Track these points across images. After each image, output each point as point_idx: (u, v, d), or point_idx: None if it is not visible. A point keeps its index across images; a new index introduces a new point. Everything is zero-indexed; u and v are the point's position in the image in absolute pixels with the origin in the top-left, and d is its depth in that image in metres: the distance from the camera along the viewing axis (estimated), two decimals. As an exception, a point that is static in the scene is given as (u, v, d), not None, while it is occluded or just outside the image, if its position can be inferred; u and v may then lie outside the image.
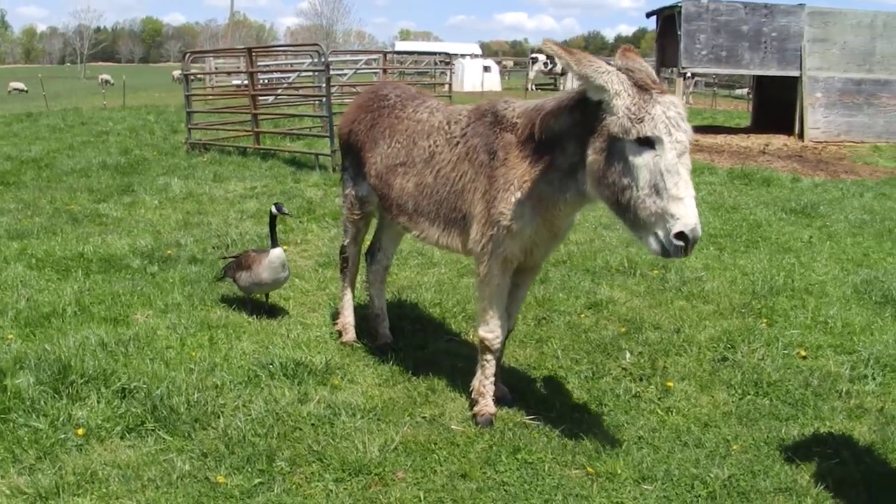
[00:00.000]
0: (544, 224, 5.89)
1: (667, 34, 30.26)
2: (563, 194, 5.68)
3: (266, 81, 30.75)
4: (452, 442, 6.09)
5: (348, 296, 8.18)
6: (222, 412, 6.38)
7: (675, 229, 4.85)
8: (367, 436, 6.07)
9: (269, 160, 19.90)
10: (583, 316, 8.92)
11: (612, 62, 5.21)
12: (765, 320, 8.85)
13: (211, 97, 30.20)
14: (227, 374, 7.04)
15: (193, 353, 7.49)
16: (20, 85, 64.94)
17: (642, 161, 4.94)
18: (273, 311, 8.91)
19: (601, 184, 5.22)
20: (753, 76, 32.92)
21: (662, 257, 5.17)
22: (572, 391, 7.05)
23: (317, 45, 24.10)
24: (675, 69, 30.69)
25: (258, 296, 9.02)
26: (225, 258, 9.79)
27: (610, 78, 5.00)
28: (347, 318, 8.12)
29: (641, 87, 5.02)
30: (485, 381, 6.47)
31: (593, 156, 5.22)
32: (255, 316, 8.61)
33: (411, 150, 6.71)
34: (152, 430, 6.09)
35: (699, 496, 5.49)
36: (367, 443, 5.94)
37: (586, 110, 5.28)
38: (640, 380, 7.30)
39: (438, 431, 6.25)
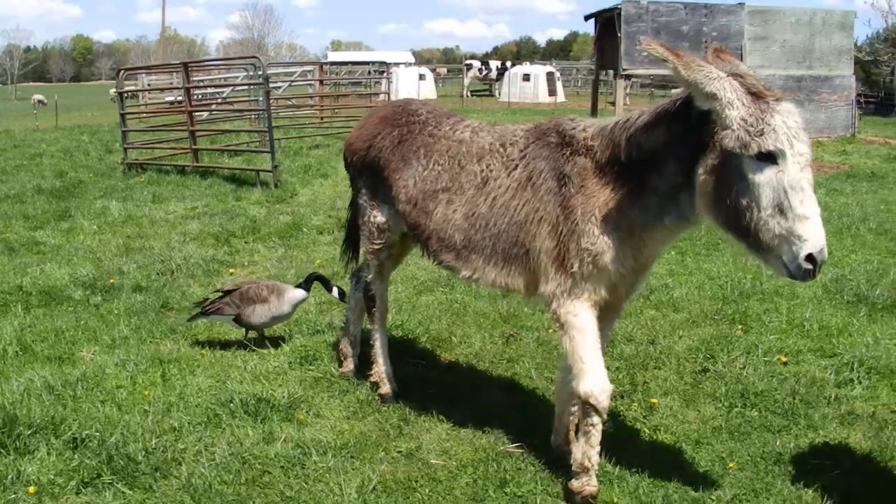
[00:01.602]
0: (633, 257, 5.21)
1: (606, 36, 30.28)
2: (661, 220, 5.06)
3: (200, 97, 30.21)
4: (433, 478, 5.70)
5: (380, 341, 7.12)
6: (183, 458, 5.93)
7: (804, 252, 4.39)
8: (342, 476, 5.66)
9: (208, 178, 19.39)
10: (551, 331, 8.58)
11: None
12: (740, 326, 8.61)
13: (145, 115, 29.60)
14: (185, 415, 6.58)
15: (146, 392, 7.01)
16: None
17: (764, 178, 4.43)
18: (270, 343, 8.43)
19: (716, 206, 4.67)
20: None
21: (789, 279, 4.65)
22: (552, 414, 6.67)
23: (255, 57, 23.71)
24: (612, 71, 30.70)
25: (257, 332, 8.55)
26: (204, 299, 8.73)
27: (722, 85, 4.45)
28: (382, 366, 7.10)
29: (756, 95, 4.49)
30: (590, 452, 5.41)
31: (704, 175, 4.67)
32: (207, 347, 8.16)
33: (457, 175, 5.91)
34: (109, 482, 5.60)
35: (703, 522, 5.19)
36: (343, 484, 5.55)
37: (688, 123, 4.75)
38: (622, 397, 6.99)
39: (417, 467, 5.86)
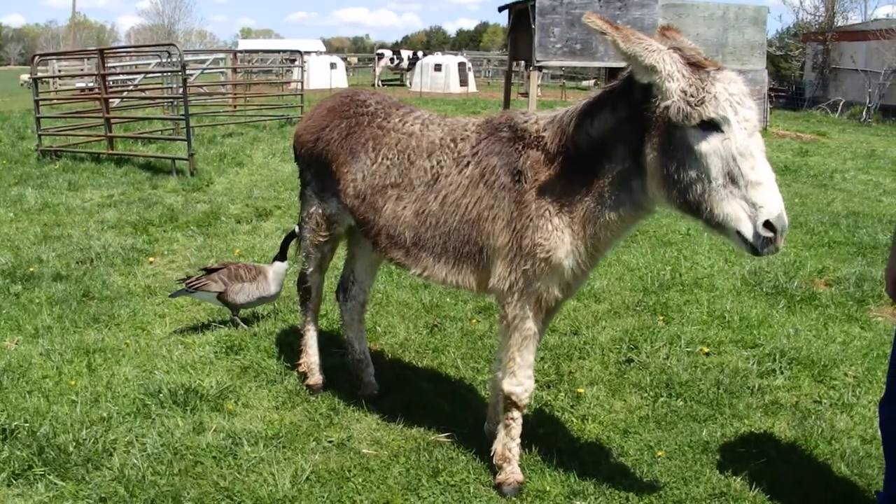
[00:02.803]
0: (588, 251, 5.09)
1: (519, 27, 30.29)
2: (616, 210, 4.89)
3: (112, 83, 29.80)
4: (366, 467, 5.74)
5: (312, 332, 7.12)
6: (114, 449, 5.91)
7: (761, 218, 4.21)
8: (274, 466, 5.68)
9: (123, 166, 19.09)
10: (475, 321, 8.68)
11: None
12: (661, 317, 8.76)
13: (57, 101, 29.04)
14: (114, 405, 6.55)
15: (73, 382, 6.96)
16: None
17: (710, 147, 4.29)
18: (245, 322, 8.57)
19: (666, 184, 4.50)
20: (606, 68, 33.15)
21: (752, 255, 4.43)
22: (480, 403, 6.77)
23: (172, 44, 23.44)
24: (524, 62, 30.75)
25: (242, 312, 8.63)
26: (187, 276, 8.76)
27: (661, 57, 4.31)
28: (312, 357, 7.09)
29: (696, 65, 4.37)
30: (511, 444, 5.58)
31: (652, 153, 4.53)
32: (132, 337, 8.10)
33: (406, 170, 5.73)
34: (41, 474, 5.55)
35: (635, 510, 5.30)
36: (277, 474, 5.56)
37: (633, 103, 4.61)
38: (548, 387, 7.10)
39: (350, 457, 5.89)
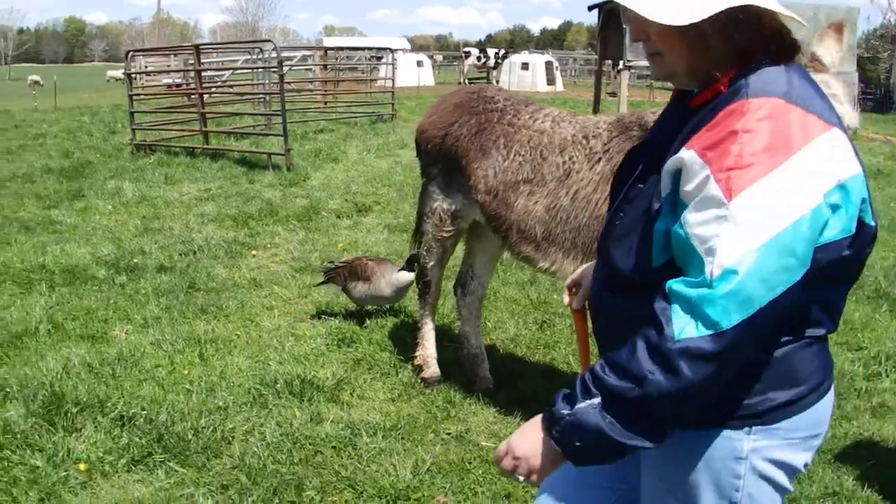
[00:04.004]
0: None
1: (609, 26, 29.96)
2: None
3: (205, 79, 30.10)
4: (486, 460, 5.66)
5: (429, 325, 7.13)
6: (233, 437, 5.91)
7: None
8: (394, 457, 5.64)
9: (218, 160, 19.24)
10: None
11: None
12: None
13: (144, 97, 29.27)
14: (229, 395, 6.55)
15: (186, 372, 6.98)
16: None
17: None
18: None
19: None
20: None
21: None
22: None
23: (268, 40, 23.63)
24: (611, 61, 30.48)
25: (370, 306, 8.66)
26: (332, 263, 8.90)
27: None
28: (429, 350, 7.08)
29: None
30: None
31: None
32: (242, 328, 8.12)
33: (539, 166, 5.68)
34: (161, 461, 5.56)
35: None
36: (398, 465, 5.51)
37: None
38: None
39: (468, 449, 5.84)
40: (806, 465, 2.70)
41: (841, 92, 4.09)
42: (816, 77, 4.12)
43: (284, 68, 19.85)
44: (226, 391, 6.62)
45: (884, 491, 5.42)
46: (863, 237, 2.50)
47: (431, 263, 6.87)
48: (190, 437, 5.81)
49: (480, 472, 5.54)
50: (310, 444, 5.83)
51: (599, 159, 5.39)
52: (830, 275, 2.47)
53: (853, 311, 8.81)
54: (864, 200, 2.45)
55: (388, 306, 8.69)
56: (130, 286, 9.43)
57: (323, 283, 8.65)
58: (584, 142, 5.54)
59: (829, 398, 2.71)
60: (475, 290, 7.02)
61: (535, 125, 5.86)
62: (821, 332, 2.66)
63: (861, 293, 9.56)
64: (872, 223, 2.53)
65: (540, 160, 5.68)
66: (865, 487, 5.44)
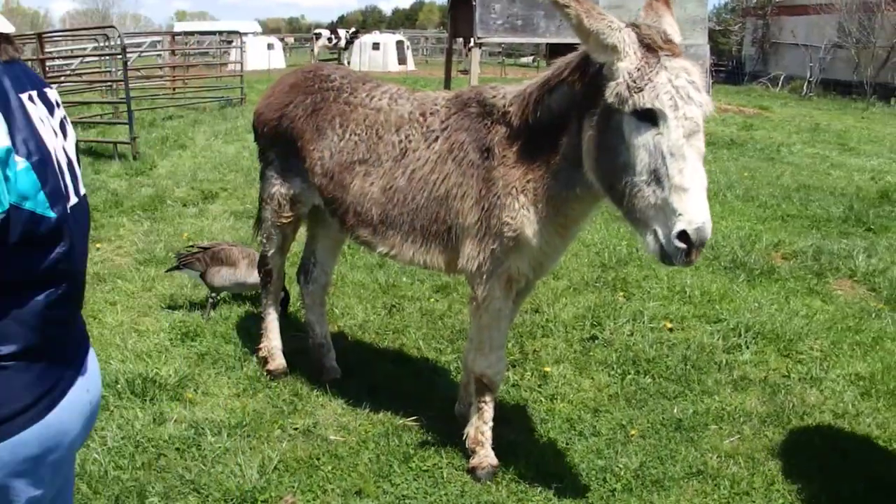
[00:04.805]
0: (556, 230, 4.90)
1: (459, 5, 29.96)
2: (573, 189, 4.69)
3: (50, 68, 29.25)
4: (335, 455, 5.59)
5: (272, 316, 6.97)
6: (73, 443, 5.68)
7: (677, 228, 3.86)
8: (240, 456, 5.50)
9: (62, 150, 18.55)
10: (433, 301, 8.54)
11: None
12: (622, 293, 8.70)
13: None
14: (69, 397, 6.30)
15: (23, 375, 6.70)
16: None
17: (641, 140, 3.98)
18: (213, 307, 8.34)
19: (596, 165, 4.29)
20: (546, 44, 32.97)
21: (662, 262, 4.12)
22: (445, 385, 6.65)
23: (112, 27, 23.04)
24: (462, 39, 30.48)
25: (223, 294, 8.44)
26: (189, 247, 8.65)
27: (622, 36, 4.01)
28: (273, 341, 6.92)
29: (648, 47, 4.05)
30: (483, 428, 5.46)
31: (589, 131, 4.29)
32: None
33: (375, 145, 5.51)
34: (-4, 472, 5.32)
35: (614, 490, 5.25)
36: (244, 465, 5.38)
37: (587, 77, 4.35)
38: (514, 366, 6.98)
39: (317, 444, 5.74)
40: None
41: (699, 80, 3.99)
42: (677, 63, 4.02)
43: (130, 55, 19.37)
44: (65, 394, 6.37)
45: (749, 466, 5.51)
46: (24, 225, 2.35)
47: (272, 251, 6.71)
48: (27, 444, 5.58)
49: (329, 468, 5.44)
50: (153, 446, 5.66)
51: (437, 138, 5.27)
52: None
53: (710, 283, 8.99)
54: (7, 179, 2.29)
55: (245, 294, 8.53)
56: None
57: (175, 268, 8.42)
58: (421, 119, 5.41)
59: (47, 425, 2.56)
60: (318, 277, 6.89)
61: (372, 103, 5.71)
62: (8, 349, 2.45)
63: (717, 263, 9.78)
64: (50, 214, 2.43)
65: (376, 139, 5.54)
66: (731, 464, 5.52)
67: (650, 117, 3.95)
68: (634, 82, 3.96)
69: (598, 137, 4.25)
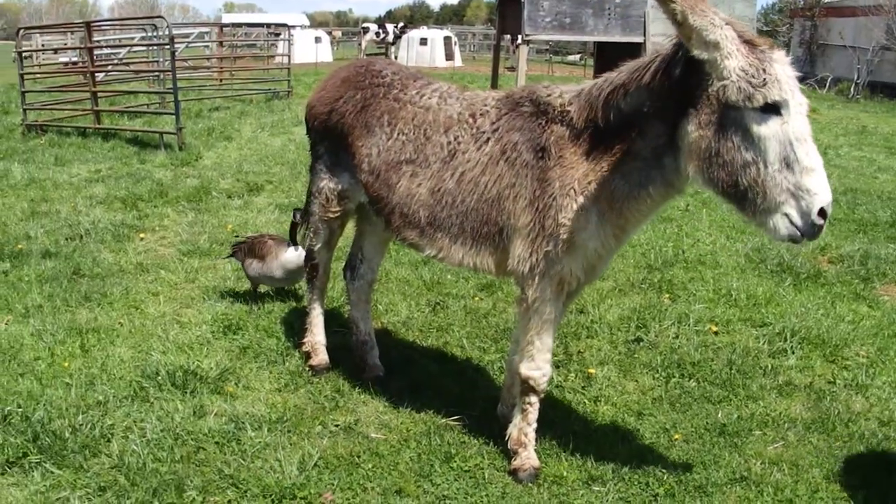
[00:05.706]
0: (614, 232, 4.89)
1: (507, 2, 29.92)
2: (646, 188, 4.71)
3: (98, 57, 29.43)
4: (376, 453, 5.53)
5: (317, 311, 6.93)
6: (112, 435, 5.67)
7: (816, 206, 4.10)
8: (280, 452, 5.45)
9: (110, 140, 18.72)
10: (477, 299, 8.47)
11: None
12: (667, 295, 8.58)
13: (41, 75, 28.51)
14: (110, 388, 6.30)
15: (66, 365, 6.72)
16: None
17: (769, 131, 4.12)
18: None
19: (712, 165, 4.31)
20: (594, 42, 32.80)
21: (791, 242, 4.34)
22: (488, 385, 6.58)
23: (160, 17, 23.12)
24: (509, 36, 30.33)
25: (266, 288, 8.52)
26: (237, 237, 8.90)
27: (724, 33, 4.09)
28: (317, 336, 6.89)
29: (750, 43, 4.17)
30: (527, 429, 5.40)
31: (698, 132, 4.31)
32: (125, 316, 7.85)
33: (422, 146, 5.45)
34: (37, 462, 5.30)
35: (657, 494, 5.17)
36: (283, 461, 5.34)
37: (674, 77, 4.41)
38: (558, 367, 6.87)
39: (358, 441, 5.69)
40: None
41: None
42: (777, 54, 4.19)
43: (178, 46, 19.45)
44: (106, 384, 6.38)
45: (794, 473, 5.41)
46: None
47: (319, 245, 6.67)
48: (67, 435, 5.57)
49: (370, 466, 5.39)
50: (192, 439, 5.62)
51: (488, 139, 5.21)
52: None
53: (756, 286, 8.86)
54: None
55: (286, 288, 8.52)
56: (14, 273, 9.10)
57: (228, 256, 8.59)
58: (470, 120, 5.36)
59: None
60: (365, 273, 6.82)
61: (422, 101, 5.65)
62: None
63: (764, 267, 9.63)
64: None
65: (423, 140, 5.49)
66: (775, 471, 5.42)
67: (775, 108, 4.11)
68: (754, 78, 4.08)
69: (713, 137, 4.28)
